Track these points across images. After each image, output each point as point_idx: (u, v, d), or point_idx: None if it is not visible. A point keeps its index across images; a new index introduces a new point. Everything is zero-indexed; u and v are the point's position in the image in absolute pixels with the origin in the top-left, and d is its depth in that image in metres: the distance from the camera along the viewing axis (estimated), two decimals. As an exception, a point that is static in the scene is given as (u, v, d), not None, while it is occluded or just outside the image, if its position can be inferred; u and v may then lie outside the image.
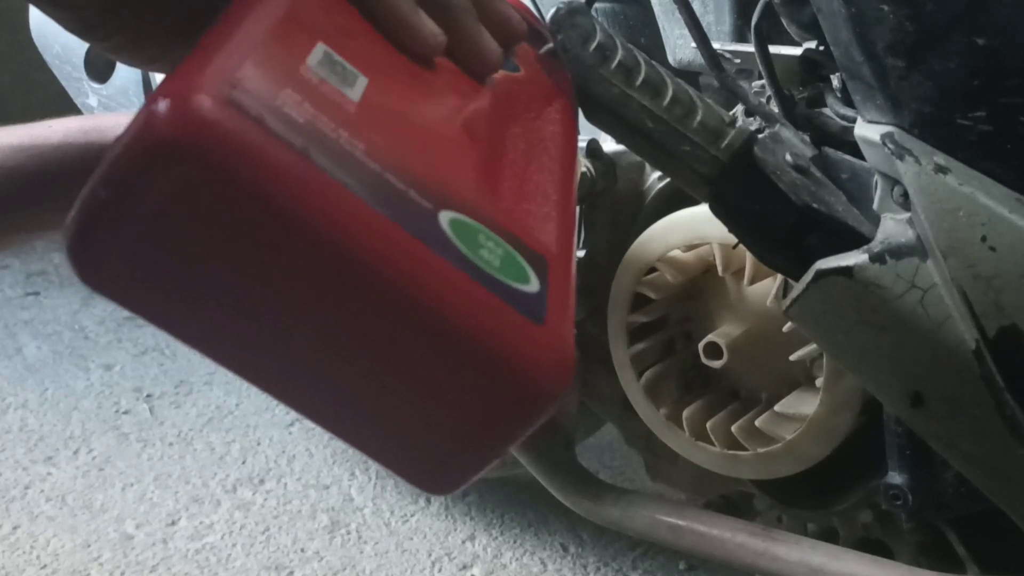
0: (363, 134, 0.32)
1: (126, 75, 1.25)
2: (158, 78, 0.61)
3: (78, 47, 1.27)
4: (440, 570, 1.23)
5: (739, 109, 0.70)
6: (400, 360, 0.31)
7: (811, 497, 0.83)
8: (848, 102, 0.67)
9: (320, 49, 0.34)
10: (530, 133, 0.45)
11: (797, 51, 0.71)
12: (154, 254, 0.29)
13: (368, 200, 0.30)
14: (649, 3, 0.87)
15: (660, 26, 0.86)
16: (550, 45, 0.55)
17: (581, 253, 0.88)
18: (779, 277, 0.75)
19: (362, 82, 0.35)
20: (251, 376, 0.32)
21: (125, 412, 1.59)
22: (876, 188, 0.59)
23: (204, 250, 0.29)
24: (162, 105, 0.28)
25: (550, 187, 0.42)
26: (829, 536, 0.83)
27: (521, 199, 0.39)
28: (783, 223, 0.60)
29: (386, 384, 0.32)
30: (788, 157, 0.62)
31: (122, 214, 0.29)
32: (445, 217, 0.33)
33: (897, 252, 0.57)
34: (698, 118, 0.59)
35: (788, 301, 0.60)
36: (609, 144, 0.85)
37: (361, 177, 0.31)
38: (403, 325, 0.30)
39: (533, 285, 0.34)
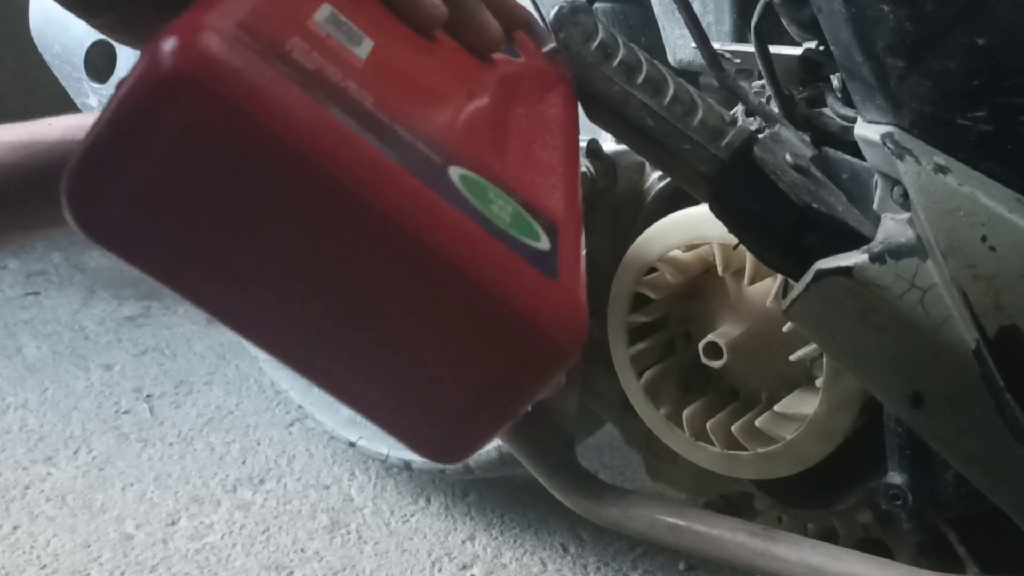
0: (371, 87, 0.31)
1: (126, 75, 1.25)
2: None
3: (78, 47, 1.27)
4: (440, 570, 1.23)
5: (739, 109, 0.70)
6: (410, 312, 0.30)
7: (811, 497, 0.83)
8: (848, 102, 0.67)
9: (327, 8, 0.34)
10: (533, 114, 0.45)
11: (797, 51, 0.71)
12: (158, 199, 0.28)
13: (378, 146, 0.29)
14: (649, 3, 0.87)
15: (660, 26, 0.86)
16: (553, 44, 0.56)
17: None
18: (779, 277, 0.75)
19: (368, 43, 0.34)
20: (253, 333, 0.31)
21: (125, 412, 1.59)
22: (876, 188, 0.59)
23: (209, 194, 0.28)
24: (169, 42, 0.27)
25: (555, 162, 0.41)
26: (829, 536, 0.83)
27: (527, 170, 0.39)
28: (783, 223, 0.60)
29: (395, 340, 0.31)
30: (788, 157, 0.62)
31: (127, 155, 0.28)
32: (455, 172, 0.32)
33: (897, 252, 0.57)
34: (699, 117, 0.59)
35: (788, 301, 0.60)
36: (609, 144, 0.85)
37: (370, 125, 0.30)
38: (414, 274, 0.29)
39: (544, 243, 0.33)
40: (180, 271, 0.30)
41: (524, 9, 0.48)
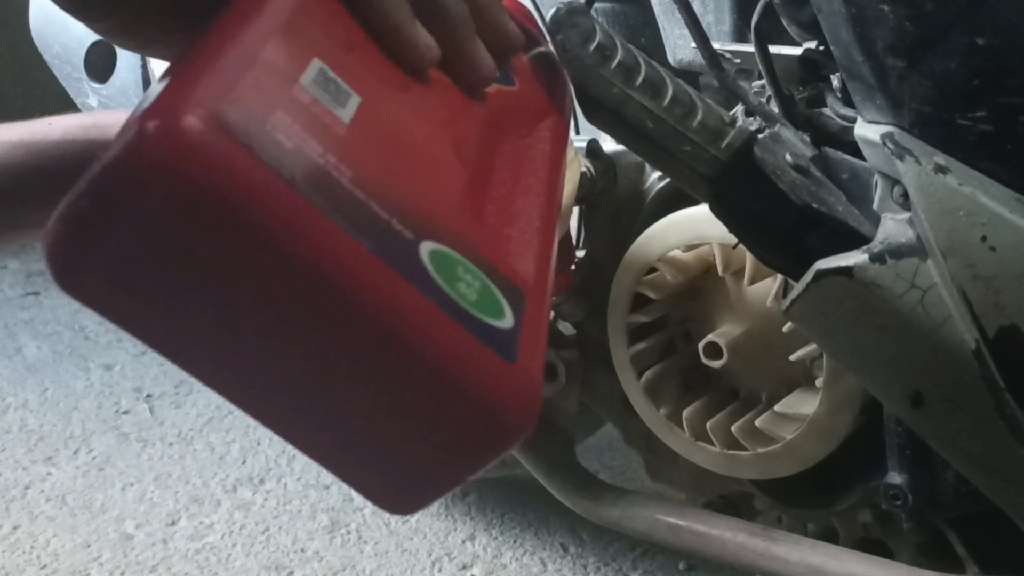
0: (350, 160, 0.32)
1: (126, 75, 1.25)
2: (158, 74, 0.61)
3: (78, 47, 1.27)
4: (440, 570, 1.23)
5: (739, 109, 0.70)
6: (370, 387, 0.32)
7: (811, 497, 0.83)
8: (848, 102, 0.67)
9: (315, 66, 0.35)
10: (519, 151, 0.46)
11: (797, 51, 0.71)
12: (132, 268, 0.30)
13: (349, 230, 0.30)
14: (649, 3, 0.87)
15: (660, 26, 0.86)
16: (541, 48, 0.55)
17: (581, 253, 0.88)
18: (779, 277, 0.75)
19: (354, 101, 0.35)
20: (223, 389, 0.33)
21: (125, 412, 1.59)
22: (876, 188, 0.59)
23: (183, 269, 0.30)
24: (151, 124, 0.28)
25: (534, 211, 0.42)
26: (829, 536, 0.83)
27: (504, 223, 0.40)
28: (783, 223, 0.60)
29: (355, 408, 0.33)
30: (788, 157, 0.62)
31: (103, 227, 0.29)
32: (426, 249, 0.33)
33: (897, 252, 0.57)
34: (698, 118, 0.59)
35: (788, 301, 0.60)
36: (609, 144, 0.85)
37: (344, 206, 0.31)
38: (374, 355, 0.31)
39: (507, 320, 0.35)
40: (155, 333, 0.31)
41: (520, 34, 0.47)
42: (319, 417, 0.33)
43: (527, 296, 0.37)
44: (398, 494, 0.36)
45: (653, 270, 0.82)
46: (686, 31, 0.70)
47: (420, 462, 0.34)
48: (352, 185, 0.32)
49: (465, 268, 0.34)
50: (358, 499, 1.36)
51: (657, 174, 0.86)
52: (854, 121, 0.62)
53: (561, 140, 0.50)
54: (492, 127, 0.45)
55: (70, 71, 1.29)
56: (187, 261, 0.29)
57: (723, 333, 0.80)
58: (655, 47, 0.86)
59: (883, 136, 0.56)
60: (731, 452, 0.81)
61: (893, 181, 0.57)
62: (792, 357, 0.76)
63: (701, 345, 0.80)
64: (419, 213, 0.34)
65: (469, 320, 0.33)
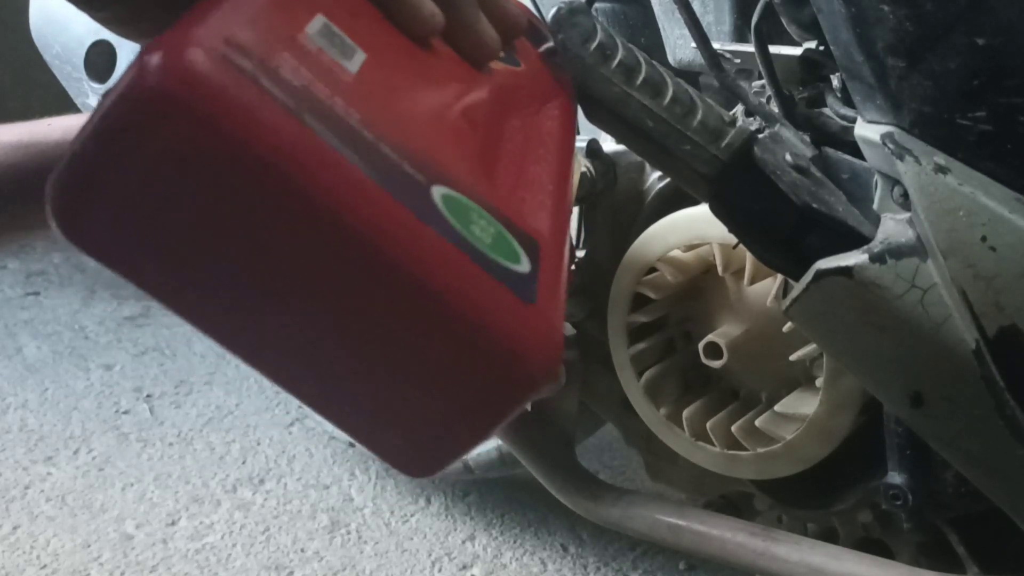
0: (358, 104, 0.31)
1: (126, 75, 1.25)
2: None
3: (78, 47, 1.27)
4: (440, 570, 1.23)
5: (739, 109, 0.70)
6: (385, 331, 0.30)
7: (811, 497, 0.83)
8: (848, 102, 0.67)
9: (319, 20, 0.34)
10: (528, 127, 0.45)
11: (797, 51, 0.71)
12: (139, 211, 0.28)
13: (359, 166, 0.29)
14: (649, 3, 0.87)
15: (660, 26, 0.86)
16: (550, 44, 0.55)
17: (581, 253, 0.88)
18: (779, 277, 0.75)
19: (360, 57, 0.34)
20: (229, 343, 0.31)
21: (125, 412, 1.59)
22: (876, 188, 0.59)
23: (189, 208, 0.28)
24: (155, 57, 0.27)
25: (546, 179, 0.41)
26: (829, 536, 0.83)
27: (516, 187, 0.39)
28: (783, 223, 0.60)
29: (370, 357, 0.31)
30: (788, 157, 0.62)
31: (109, 169, 0.28)
32: (437, 192, 0.32)
33: (897, 252, 0.57)
34: (698, 117, 0.59)
35: (788, 301, 0.60)
36: (609, 144, 0.85)
37: (353, 143, 0.30)
38: (389, 293, 0.29)
39: (524, 266, 0.33)
40: (160, 281, 0.30)
41: (523, 16, 0.48)
42: (333, 369, 0.32)
43: (543, 248, 0.35)
44: (417, 453, 0.34)
45: (653, 270, 0.82)
46: (686, 31, 0.70)
47: (438, 415, 0.32)
48: (360, 126, 0.31)
49: (479, 214, 0.33)
50: (358, 499, 1.36)
51: (657, 174, 0.86)
52: (854, 121, 0.62)
53: (569, 121, 0.49)
54: (500, 101, 0.44)
55: (70, 71, 1.29)
56: (193, 199, 0.28)
57: (723, 333, 0.80)
58: (655, 47, 0.86)
59: (883, 136, 0.56)
60: (731, 452, 0.81)
61: (893, 181, 0.57)
62: (792, 357, 0.76)
63: (701, 345, 0.80)
64: (430, 161, 0.33)
65: (484, 260, 0.31)
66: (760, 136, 0.61)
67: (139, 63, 0.27)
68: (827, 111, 0.69)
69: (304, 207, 0.28)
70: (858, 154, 0.62)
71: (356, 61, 0.34)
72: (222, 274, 0.30)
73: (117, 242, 0.29)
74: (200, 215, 0.28)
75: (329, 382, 0.32)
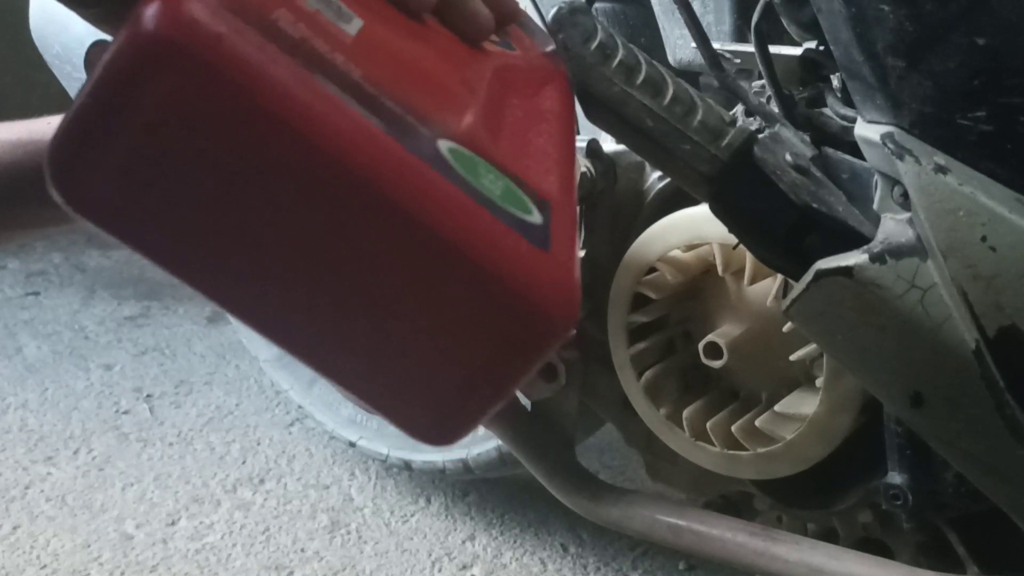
0: (360, 61, 0.30)
1: (126, 75, 1.25)
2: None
3: (78, 47, 1.27)
4: (440, 570, 1.23)
5: (739, 109, 0.70)
6: (399, 285, 0.29)
7: (811, 497, 0.83)
8: (848, 102, 0.67)
9: None
10: (528, 105, 0.44)
11: (797, 51, 0.71)
12: (141, 168, 0.27)
13: (365, 114, 0.28)
14: (649, 3, 0.87)
15: (660, 26, 0.86)
16: (552, 46, 0.55)
17: (581, 253, 0.88)
18: (779, 277, 0.75)
19: (357, 23, 0.33)
20: (238, 309, 0.30)
21: (125, 412, 1.59)
22: (876, 188, 0.59)
23: (193, 162, 0.27)
24: (152, 7, 0.26)
25: (551, 150, 0.40)
26: (829, 536, 0.83)
27: (521, 155, 0.37)
28: (783, 223, 0.60)
29: (384, 315, 0.30)
30: (788, 157, 0.62)
31: (109, 123, 0.27)
32: (444, 145, 0.31)
33: (897, 252, 0.57)
34: (698, 117, 0.59)
35: (788, 301, 0.60)
36: (609, 144, 0.85)
37: (358, 94, 0.29)
38: (401, 244, 0.28)
39: (536, 217, 0.32)
40: (163, 243, 0.29)
41: (515, 3, 0.48)
42: (346, 329, 0.30)
43: (553, 205, 0.34)
44: (436, 418, 0.32)
45: (653, 270, 0.82)
46: (686, 31, 0.70)
47: (457, 373, 0.31)
48: (363, 80, 0.30)
49: (486, 168, 0.32)
50: (358, 499, 1.36)
51: (657, 174, 0.86)
52: (854, 121, 0.62)
53: (568, 105, 0.48)
54: (498, 77, 0.43)
55: (70, 71, 1.29)
56: (199, 154, 0.27)
57: (723, 333, 0.80)
58: (655, 47, 0.86)
59: (883, 136, 0.56)
60: (731, 452, 0.81)
61: (893, 181, 0.57)
62: (792, 357, 0.76)
63: (701, 345, 0.80)
64: (434, 118, 0.32)
65: (496, 208, 0.30)
66: (760, 136, 0.61)
67: (136, 14, 0.27)
68: (827, 111, 0.69)
69: (313, 155, 0.27)
70: (858, 154, 0.62)
71: (353, 26, 0.33)
72: (228, 231, 0.28)
73: (118, 204, 0.28)
74: (205, 168, 0.27)
75: (342, 344, 0.31)
